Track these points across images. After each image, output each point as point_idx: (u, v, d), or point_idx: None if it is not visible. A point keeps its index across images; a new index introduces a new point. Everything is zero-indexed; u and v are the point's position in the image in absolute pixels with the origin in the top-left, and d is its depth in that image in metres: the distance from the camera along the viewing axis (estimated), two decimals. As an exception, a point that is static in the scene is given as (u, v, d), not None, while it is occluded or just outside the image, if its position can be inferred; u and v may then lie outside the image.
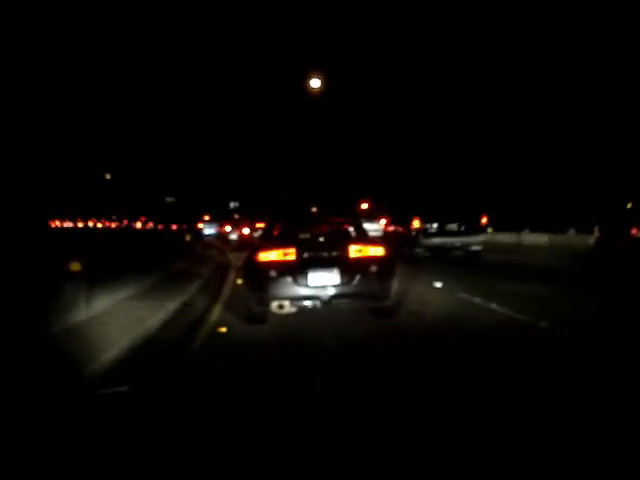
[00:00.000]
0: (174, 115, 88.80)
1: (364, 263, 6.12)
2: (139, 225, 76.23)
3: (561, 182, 28.88)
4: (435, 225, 15.90)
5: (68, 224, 78.37)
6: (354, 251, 6.20)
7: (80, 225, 78.23)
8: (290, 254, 6.08)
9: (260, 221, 24.63)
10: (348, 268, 6.04)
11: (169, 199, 77.02)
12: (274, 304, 6.02)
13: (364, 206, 34.29)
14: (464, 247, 15.38)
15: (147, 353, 5.18)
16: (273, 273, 5.99)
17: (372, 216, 23.97)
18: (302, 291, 5.96)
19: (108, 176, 75.39)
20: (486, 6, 35.00)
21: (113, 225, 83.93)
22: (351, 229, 7.77)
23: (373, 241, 7.00)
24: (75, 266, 5.63)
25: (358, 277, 6.02)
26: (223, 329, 6.15)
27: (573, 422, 3.23)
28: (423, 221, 16.15)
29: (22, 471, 2.76)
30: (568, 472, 2.69)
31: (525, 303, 7.17)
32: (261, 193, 61.52)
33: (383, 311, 6.45)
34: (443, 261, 15.17)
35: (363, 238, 7.20)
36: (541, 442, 2.97)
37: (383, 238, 16.58)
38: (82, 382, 4.05)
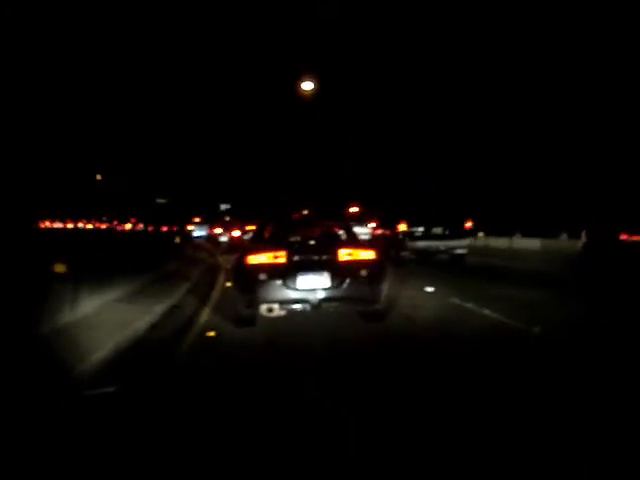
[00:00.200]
0: (166, 116, 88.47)
1: (354, 267, 6.08)
2: (128, 226, 75.78)
3: (553, 187, 29.02)
4: (421, 229, 16.29)
5: (58, 225, 77.74)
6: (344, 254, 6.16)
7: (70, 226, 77.58)
8: (280, 257, 6.03)
9: (251, 223, 24.60)
10: (338, 271, 5.99)
11: (160, 200, 76.65)
12: (263, 307, 5.95)
13: (354, 209, 34.51)
14: (449, 250, 15.75)
15: (134, 356, 5.11)
16: (263, 276, 5.93)
17: (362, 220, 24.24)
18: (292, 294, 5.91)
19: (99, 177, 74.82)
20: (486, 6, 35.09)
21: (103, 226, 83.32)
22: (342, 232, 7.73)
23: (364, 245, 6.97)
24: (60, 268, 5.51)
25: (348, 280, 5.97)
26: (212, 333, 6.08)
27: (566, 425, 3.20)
28: (409, 225, 16.52)
29: (7, 472, 2.70)
30: (562, 476, 2.66)
31: (516, 308, 7.16)
32: (253, 195, 61.50)
33: (373, 315, 6.40)
34: (429, 264, 15.46)
35: (354, 242, 7.17)
36: (534, 444, 2.93)
37: (371, 241, 16.77)
38: (66, 386, 3.98)
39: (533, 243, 19.99)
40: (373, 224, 22.71)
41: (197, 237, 39.31)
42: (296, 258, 6.06)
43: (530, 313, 6.72)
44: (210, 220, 47.74)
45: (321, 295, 5.91)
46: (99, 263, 8.01)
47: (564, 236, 19.23)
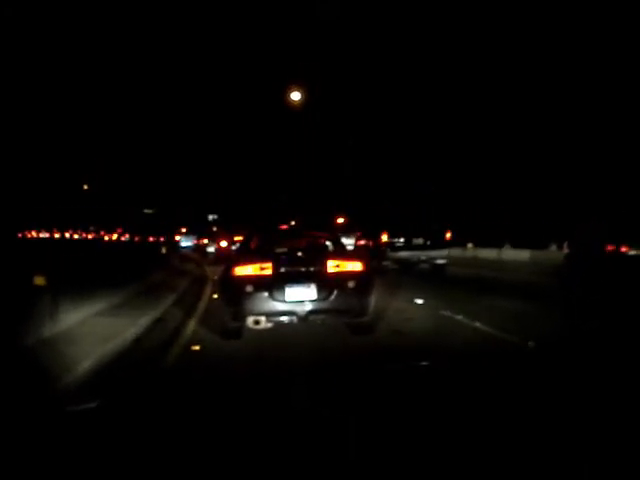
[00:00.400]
0: (154, 126, 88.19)
1: (342, 278, 5.99)
2: (114, 237, 75.10)
3: (542, 198, 29.19)
4: (402, 239, 16.57)
5: (44, 234, 76.86)
6: (332, 266, 6.07)
7: (56, 236, 76.72)
8: (267, 268, 5.94)
9: (238, 234, 24.47)
10: (326, 283, 5.91)
11: (147, 211, 76.21)
12: (250, 319, 5.83)
13: (340, 220, 34.67)
14: (430, 260, 16.00)
15: (118, 369, 4.94)
16: (249, 288, 5.83)
17: (348, 231, 24.51)
18: (279, 306, 5.81)
19: (86, 187, 74.22)
20: (486, 6, 35.43)
21: (90, 236, 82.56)
22: (329, 244, 7.66)
23: (351, 256, 6.89)
24: (39, 280, 5.35)
25: (336, 292, 5.88)
26: (197, 347, 5.94)
27: (567, 427, 3.12)
28: (390, 236, 16.81)
29: None
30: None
31: (507, 320, 7.11)
32: (240, 205, 61.30)
33: (361, 327, 6.30)
34: (411, 274, 15.65)
35: (341, 253, 7.09)
36: (529, 446, 2.84)
37: (353, 252, 17.01)
38: (43, 406, 3.82)
39: (522, 254, 20.00)
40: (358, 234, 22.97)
41: (184, 247, 39.07)
42: (283, 270, 5.97)
43: (520, 325, 6.65)
44: (197, 230, 47.53)
45: (308, 307, 5.81)
46: (81, 275, 7.84)
47: (553, 247, 19.32)
